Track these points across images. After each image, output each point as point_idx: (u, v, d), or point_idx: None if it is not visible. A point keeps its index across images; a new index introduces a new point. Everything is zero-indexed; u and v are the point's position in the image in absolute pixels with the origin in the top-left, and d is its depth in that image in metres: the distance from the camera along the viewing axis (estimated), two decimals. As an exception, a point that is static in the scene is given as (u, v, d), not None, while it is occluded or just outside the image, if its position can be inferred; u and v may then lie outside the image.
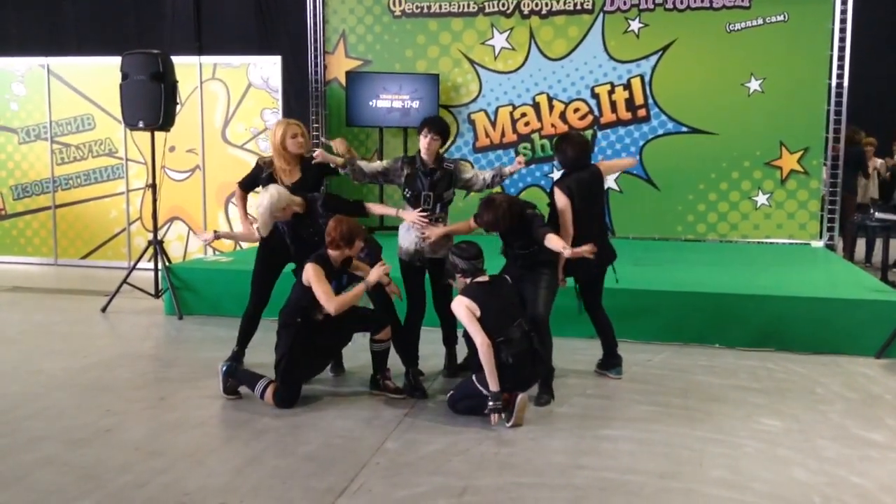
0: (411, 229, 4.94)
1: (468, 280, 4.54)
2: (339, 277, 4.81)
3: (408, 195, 4.92)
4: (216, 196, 9.41)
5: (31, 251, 9.95)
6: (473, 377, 4.43)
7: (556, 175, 9.65)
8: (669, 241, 9.44)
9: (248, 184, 5.35)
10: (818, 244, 9.21)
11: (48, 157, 9.73)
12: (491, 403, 4.27)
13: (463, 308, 4.39)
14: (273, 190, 4.84)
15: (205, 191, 9.38)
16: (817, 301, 5.96)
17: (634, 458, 3.91)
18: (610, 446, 4.06)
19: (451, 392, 4.59)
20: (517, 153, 9.83)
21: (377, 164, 5.05)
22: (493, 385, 4.28)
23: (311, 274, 4.51)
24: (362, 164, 5.03)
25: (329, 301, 4.49)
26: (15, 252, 9.99)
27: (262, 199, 4.80)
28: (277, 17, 10.81)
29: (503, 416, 4.29)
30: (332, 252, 4.60)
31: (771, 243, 9.31)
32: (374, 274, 4.64)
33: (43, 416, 4.44)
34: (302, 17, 10.32)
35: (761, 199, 9.36)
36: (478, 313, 4.35)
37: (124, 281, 7.35)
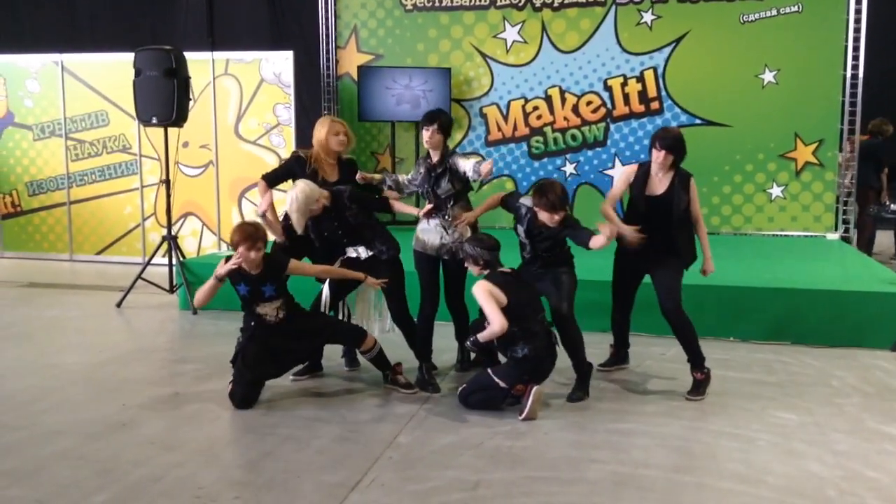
0: (436, 230, 4.92)
1: (486, 271, 4.50)
2: (253, 283, 4.60)
3: (419, 192, 5.00)
4: (229, 191, 9.43)
5: (47, 247, 10.02)
6: (489, 370, 4.44)
7: (571, 169, 9.66)
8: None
9: (277, 178, 5.20)
10: (833, 236, 9.15)
11: (63, 154, 9.79)
12: (479, 338, 4.41)
13: (485, 290, 4.34)
14: (303, 185, 4.72)
15: (218, 186, 9.41)
16: (833, 294, 5.92)
17: (647, 451, 3.91)
18: (623, 440, 4.05)
19: (463, 386, 4.59)
20: (529, 147, 9.82)
21: (409, 175, 5.13)
22: (484, 338, 4.38)
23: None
24: (398, 177, 5.13)
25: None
26: (31, 248, 10.06)
27: (293, 196, 4.66)
28: (289, 13, 10.80)
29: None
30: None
31: (785, 236, 9.25)
32: (221, 269, 4.57)
33: (59, 410, 4.48)
34: (314, 12, 10.31)
35: (776, 191, 9.30)
36: (504, 300, 4.32)
37: (139, 276, 7.39)
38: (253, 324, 4.65)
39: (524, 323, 4.36)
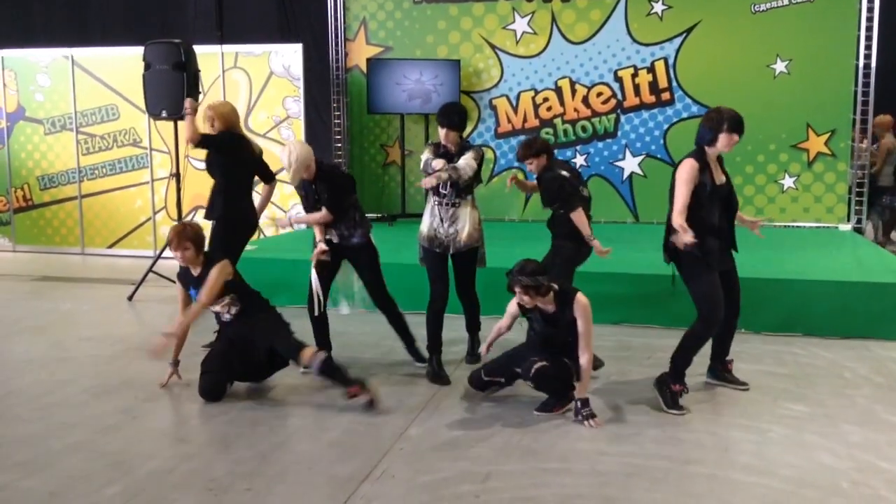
0: (431, 215, 4.93)
1: (548, 295, 4.19)
2: (199, 284, 4.57)
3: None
4: (239, 184, 9.43)
5: (59, 241, 10.07)
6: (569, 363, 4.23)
7: (581, 160, 9.62)
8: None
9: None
10: (846, 227, 9.09)
11: (73, 148, 9.83)
12: (584, 410, 4.14)
13: (590, 312, 4.18)
14: (296, 142, 4.87)
15: (228, 179, 9.42)
16: (844, 285, 5.89)
17: (659, 443, 3.90)
18: (634, 432, 4.04)
19: (544, 364, 4.19)
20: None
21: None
22: (585, 392, 4.19)
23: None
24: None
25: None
26: (42, 242, 10.12)
27: (293, 151, 4.74)
28: (298, 5, 10.80)
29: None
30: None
31: (797, 227, 9.20)
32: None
33: (71, 403, 4.51)
34: (322, 5, 10.29)
35: (788, 182, 9.25)
36: None
37: (150, 269, 7.42)
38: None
39: None
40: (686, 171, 4.23)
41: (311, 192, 4.94)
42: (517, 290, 4.18)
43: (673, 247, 4.30)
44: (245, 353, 4.61)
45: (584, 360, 4.15)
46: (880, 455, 3.75)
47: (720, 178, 4.37)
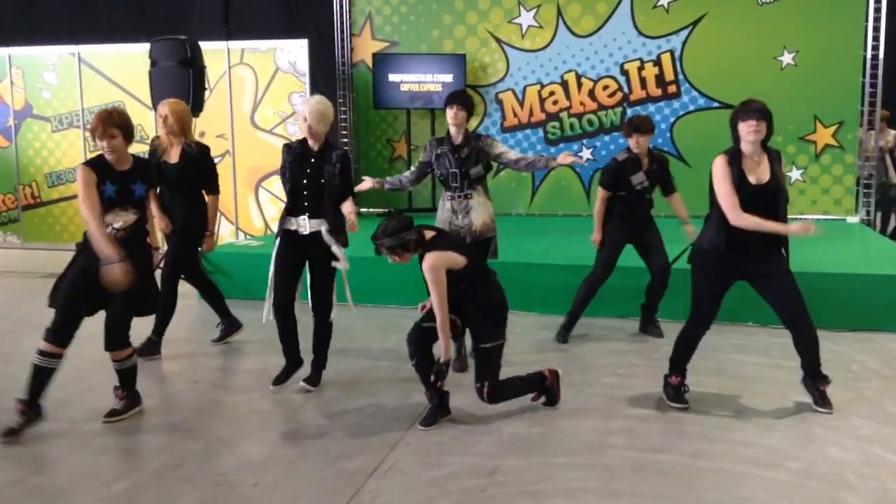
0: (445, 210, 4.92)
1: (420, 248, 3.98)
2: (122, 181, 4.03)
3: (438, 174, 4.95)
4: (246, 180, 9.47)
5: (67, 238, 10.10)
6: (482, 345, 4.08)
7: (586, 154, 9.59)
8: (701, 218, 9.30)
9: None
10: (853, 220, 9.06)
11: (81, 145, 9.86)
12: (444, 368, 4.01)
13: (439, 267, 3.86)
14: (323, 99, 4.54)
15: (235, 175, 9.45)
16: (853, 277, 5.88)
17: (665, 437, 3.90)
18: (640, 426, 4.04)
19: (486, 387, 4.06)
20: (545, 132, 9.77)
21: (416, 167, 5.10)
22: (445, 355, 3.99)
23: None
24: (400, 177, 5.10)
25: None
26: (50, 239, 10.16)
27: (321, 107, 4.43)
28: (304, 1, 10.81)
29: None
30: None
31: (805, 219, 9.16)
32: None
33: (79, 399, 4.53)
34: (328, 0, 10.30)
35: (795, 174, 9.22)
36: (462, 262, 3.94)
37: (157, 265, 7.41)
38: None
39: (487, 270, 4.19)
40: (718, 168, 4.15)
41: (307, 159, 4.49)
42: (384, 253, 3.95)
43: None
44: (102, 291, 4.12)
45: (437, 320, 3.92)
46: (888, 448, 3.74)
47: (759, 178, 4.14)
